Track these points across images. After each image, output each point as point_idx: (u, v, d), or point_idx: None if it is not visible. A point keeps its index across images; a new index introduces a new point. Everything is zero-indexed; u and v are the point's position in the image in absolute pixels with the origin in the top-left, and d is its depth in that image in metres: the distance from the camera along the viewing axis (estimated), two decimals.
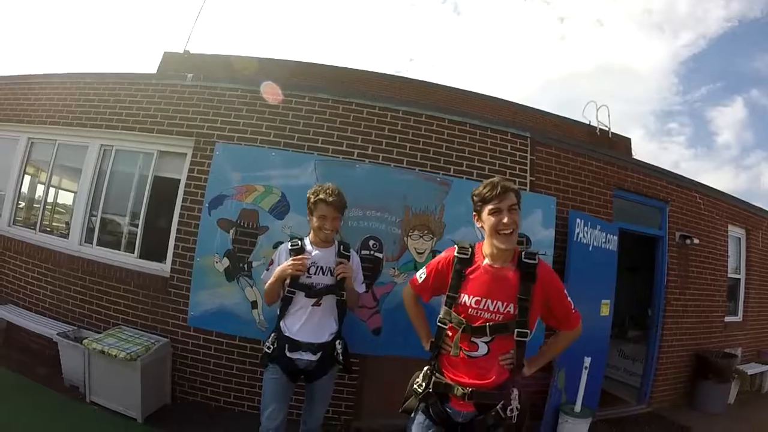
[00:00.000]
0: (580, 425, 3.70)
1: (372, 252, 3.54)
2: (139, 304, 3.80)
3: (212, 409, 3.59)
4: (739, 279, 6.21)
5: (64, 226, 4.55)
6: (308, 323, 2.44)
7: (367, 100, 3.86)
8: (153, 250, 3.99)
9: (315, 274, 2.47)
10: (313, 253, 2.49)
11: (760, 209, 6.53)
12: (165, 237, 3.88)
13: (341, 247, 2.59)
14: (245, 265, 3.49)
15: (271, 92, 3.80)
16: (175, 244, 3.75)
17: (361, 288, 2.70)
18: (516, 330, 1.79)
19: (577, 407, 3.73)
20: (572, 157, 4.24)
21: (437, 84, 8.75)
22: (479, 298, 1.83)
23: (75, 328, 3.88)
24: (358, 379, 3.59)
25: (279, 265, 2.47)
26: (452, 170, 3.80)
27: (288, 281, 2.43)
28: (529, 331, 1.81)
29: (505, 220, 1.80)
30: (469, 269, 1.89)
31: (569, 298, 1.92)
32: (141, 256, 4.01)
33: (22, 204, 4.83)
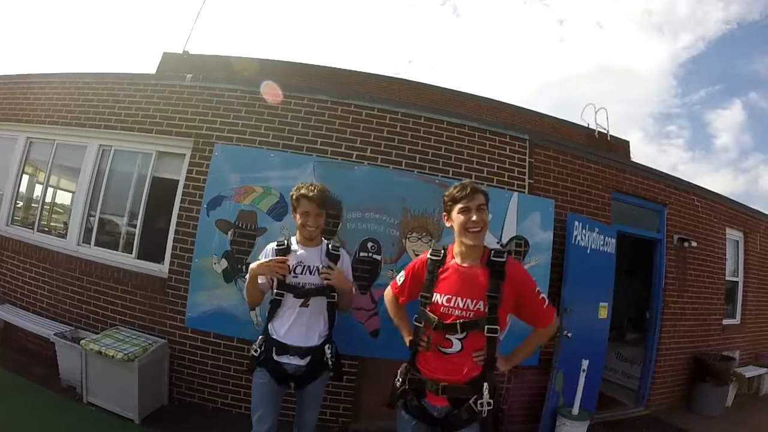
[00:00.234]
0: (577, 428, 3.70)
1: (370, 254, 3.54)
2: (136, 305, 3.80)
3: (209, 411, 3.58)
4: (737, 282, 6.23)
5: (62, 226, 4.55)
6: (296, 325, 2.35)
7: (366, 102, 3.86)
8: (151, 250, 3.98)
9: (302, 273, 2.37)
10: (298, 252, 2.40)
11: (758, 212, 6.55)
12: (163, 238, 3.88)
13: (329, 246, 2.50)
14: (243, 267, 3.48)
15: (270, 92, 3.80)
16: (173, 245, 3.74)
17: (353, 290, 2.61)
18: (486, 326, 1.86)
19: (575, 410, 3.73)
20: (571, 160, 4.25)
21: (436, 86, 8.78)
22: (450, 297, 1.92)
23: (72, 328, 3.87)
24: (356, 381, 3.59)
25: None
26: (451, 172, 3.80)
27: (275, 283, 2.35)
28: (498, 328, 1.87)
29: (474, 218, 1.89)
30: (441, 269, 1.99)
31: (542, 295, 1.99)
32: (139, 257, 4.01)
33: (20, 203, 4.82)
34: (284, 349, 2.33)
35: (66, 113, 4.39)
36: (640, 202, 4.85)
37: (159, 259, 3.90)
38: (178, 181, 3.91)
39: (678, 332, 5.04)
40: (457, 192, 1.94)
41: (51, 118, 4.46)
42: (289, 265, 2.32)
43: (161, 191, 4.02)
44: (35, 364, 3.89)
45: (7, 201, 4.66)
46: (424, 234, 3.58)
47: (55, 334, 3.68)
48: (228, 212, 3.56)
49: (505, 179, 3.91)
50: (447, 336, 1.91)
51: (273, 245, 2.45)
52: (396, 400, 2.05)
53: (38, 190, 4.71)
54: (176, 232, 3.74)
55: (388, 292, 2.33)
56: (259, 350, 2.37)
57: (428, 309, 1.96)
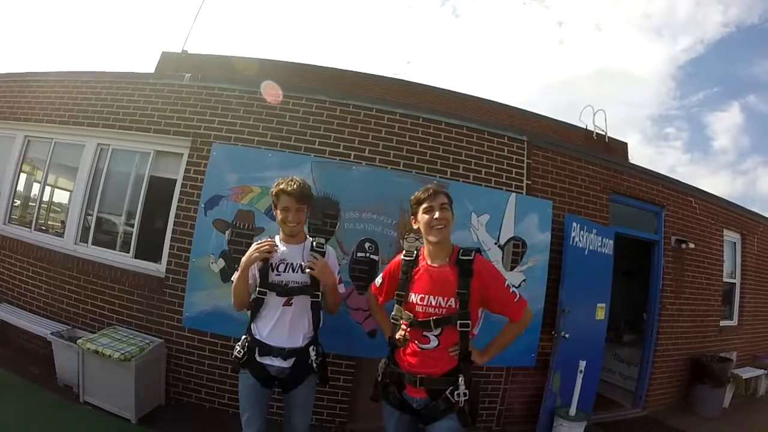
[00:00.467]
0: (574, 429, 3.70)
1: (368, 254, 3.54)
2: (133, 305, 3.79)
3: (206, 411, 3.58)
4: (735, 283, 6.25)
5: (59, 224, 4.54)
6: (279, 325, 2.28)
7: (364, 102, 3.86)
8: (148, 250, 3.98)
9: (284, 271, 2.30)
10: (281, 250, 2.33)
11: (756, 214, 6.56)
12: (160, 237, 3.87)
13: (314, 242, 2.42)
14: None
15: (270, 92, 3.80)
16: (170, 245, 3.74)
17: (340, 288, 2.46)
18: (458, 322, 1.99)
19: (572, 410, 3.73)
20: (569, 161, 4.25)
21: (435, 87, 8.78)
22: (423, 295, 2.05)
23: (69, 327, 3.86)
24: (353, 382, 3.59)
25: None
26: (449, 173, 3.80)
27: (258, 281, 2.30)
28: (470, 323, 2.00)
29: (437, 215, 2.03)
30: (415, 270, 2.13)
31: (512, 289, 2.10)
32: (136, 256, 4.00)
33: (18, 202, 4.81)
34: (267, 350, 2.27)
35: (64, 112, 4.38)
36: (638, 204, 4.86)
37: (156, 258, 3.90)
38: (175, 180, 3.90)
39: (675, 333, 5.04)
40: (421, 194, 2.11)
41: (49, 116, 4.45)
42: (275, 247, 2.30)
43: (159, 190, 4.02)
44: (32, 363, 3.88)
45: (5, 200, 4.65)
46: (422, 235, 3.57)
47: (51, 334, 3.67)
48: (225, 212, 3.56)
49: (503, 180, 3.91)
50: (424, 333, 2.04)
51: (256, 240, 2.40)
52: (379, 393, 2.18)
53: (36, 188, 4.70)
54: (174, 231, 3.74)
55: (368, 293, 2.48)
56: (242, 351, 2.31)
57: (404, 307, 2.10)
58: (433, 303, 2.02)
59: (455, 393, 1.97)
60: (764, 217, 6.78)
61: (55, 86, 4.53)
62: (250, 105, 3.81)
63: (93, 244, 4.16)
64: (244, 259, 2.29)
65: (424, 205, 2.07)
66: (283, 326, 2.29)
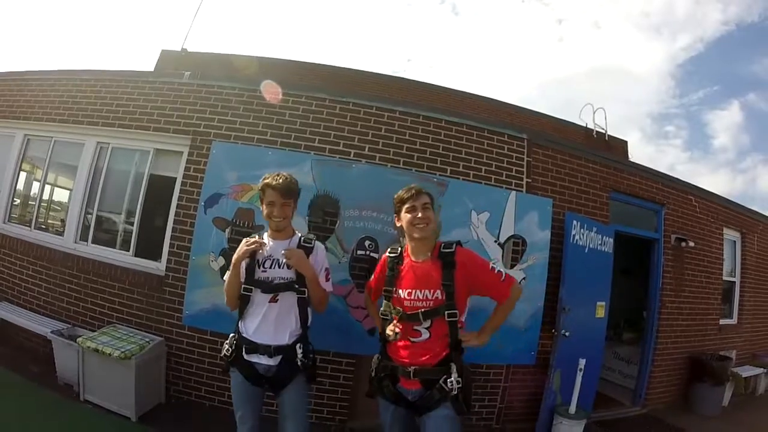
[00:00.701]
0: (574, 426, 3.70)
1: (368, 252, 3.54)
2: (133, 303, 3.79)
3: (207, 408, 3.58)
4: (734, 282, 6.25)
5: (59, 223, 4.54)
6: (264, 322, 2.25)
7: (364, 100, 3.86)
8: (148, 248, 3.97)
9: (270, 267, 2.28)
10: (268, 246, 2.31)
11: (756, 212, 6.56)
12: (160, 235, 3.87)
13: (301, 238, 2.38)
14: None
15: (271, 92, 3.79)
16: (170, 243, 3.74)
17: (327, 286, 2.40)
18: (446, 312, 2.06)
19: (572, 408, 3.74)
20: (569, 159, 4.25)
21: (435, 85, 8.75)
22: (410, 290, 2.13)
23: (69, 326, 3.87)
24: (353, 380, 3.59)
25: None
26: (449, 171, 3.80)
27: (243, 278, 2.28)
28: (458, 312, 2.07)
29: (419, 215, 2.12)
30: (400, 266, 2.22)
31: (497, 270, 2.23)
32: (136, 255, 4.00)
33: (18, 201, 4.81)
34: (253, 347, 2.24)
35: (63, 110, 4.37)
36: (638, 202, 4.86)
37: (156, 256, 3.89)
38: (175, 178, 3.90)
39: (675, 332, 5.05)
40: (404, 193, 2.20)
41: (48, 115, 4.45)
42: (263, 243, 2.30)
43: (159, 189, 4.01)
44: (32, 362, 3.88)
45: (5, 198, 4.64)
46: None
47: (51, 332, 3.67)
48: (225, 210, 3.56)
49: (503, 178, 3.91)
50: (414, 327, 2.11)
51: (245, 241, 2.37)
52: (375, 389, 2.24)
53: (36, 187, 4.70)
54: (173, 229, 3.73)
55: (365, 290, 2.61)
56: (230, 349, 2.29)
57: (393, 302, 2.18)
58: (420, 296, 2.10)
59: (449, 381, 2.02)
60: (764, 215, 6.78)
61: (55, 85, 4.53)
62: (250, 103, 3.81)
63: (93, 242, 4.15)
64: (234, 257, 2.29)
65: (407, 205, 2.16)
66: (269, 323, 2.26)
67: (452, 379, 2.01)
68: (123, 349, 3.25)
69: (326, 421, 3.58)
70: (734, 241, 6.24)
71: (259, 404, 2.37)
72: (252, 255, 2.29)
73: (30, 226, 4.51)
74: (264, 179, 2.32)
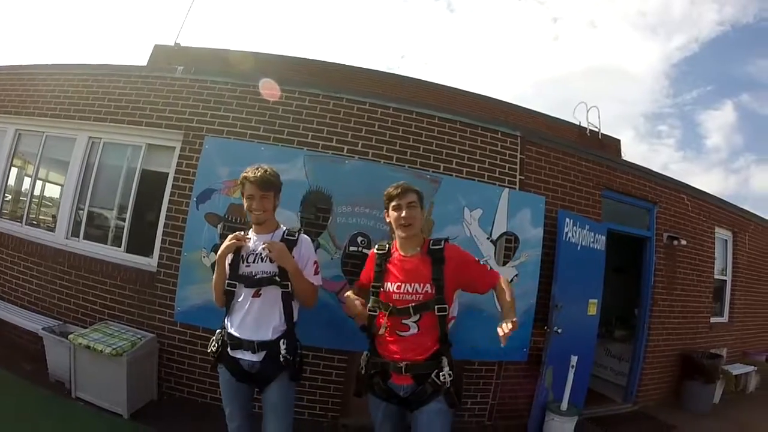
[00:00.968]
0: (566, 423, 3.72)
1: (360, 248, 3.53)
2: (125, 299, 3.77)
3: (199, 405, 3.57)
4: (726, 280, 6.30)
5: (50, 219, 4.52)
6: (248, 317, 2.22)
7: (357, 97, 3.85)
8: (140, 244, 3.95)
9: (254, 262, 2.26)
10: (252, 240, 2.30)
11: (747, 212, 6.61)
12: (152, 231, 3.86)
13: (285, 231, 2.35)
14: None
15: (269, 90, 3.77)
16: (162, 239, 3.72)
17: (316, 280, 2.36)
18: (436, 306, 2.07)
19: (564, 405, 3.76)
20: (562, 157, 4.26)
21: (428, 82, 8.72)
22: (399, 284, 2.13)
23: (61, 322, 3.84)
24: (345, 376, 3.59)
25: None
26: (442, 168, 3.80)
27: (228, 274, 2.27)
28: (447, 306, 2.09)
29: (404, 214, 2.15)
30: (388, 261, 2.22)
31: (482, 261, 2.31)
32: (128, 251, 3.98)
33: (9, 197, 4.76)
34: (237, 343, 2.21)
35: (55, 105, 4.33)
36: (631, 200, 4.89)
37: (148, 252, 3.87)
38: (167, 174, 3.88)
39: (666, 329, 5.08)
40: (392, 190, 2.21)
41: (40, 110, 4.41)
42: (244, 238, 2.29)
43: (151, 184, 3.98)
44: (23, 359, 3.85)
45: None
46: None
47: (43, 329, 3.65)
48: (218, 205, 3.54)
49: (496, 175, 3.92)
50: (403, 321, 2.10)
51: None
52: (363, 388, 2.24)
53: (27, 182, 4.66)
54: (165, 225, 3.72)
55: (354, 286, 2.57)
56: (217, 345, 2.28)
57: (381, 297, 2.17)
58: (410, 290, 2.10)
59: (441, 375, 2.03)
60: (756, 215, 6.83)
61: (47, 79, 4.48)
62: (243, 98, 3.79)
63: (84, 238, 4.13)
64: (219, 252, 2.28)
65: (393, 203, 2.19)
66: (251, 318, 2.23)
67: (444, 372, 2.03)
68: (114, 346, 3.23)
69: (319, 417, 3.58)
70: (726, 240, 6.29)
71: (247, 401, 2.35)
72: (237, 250, 2.28)
73: (21, 222, 4.47)
74: (244, 173, 2.31)
